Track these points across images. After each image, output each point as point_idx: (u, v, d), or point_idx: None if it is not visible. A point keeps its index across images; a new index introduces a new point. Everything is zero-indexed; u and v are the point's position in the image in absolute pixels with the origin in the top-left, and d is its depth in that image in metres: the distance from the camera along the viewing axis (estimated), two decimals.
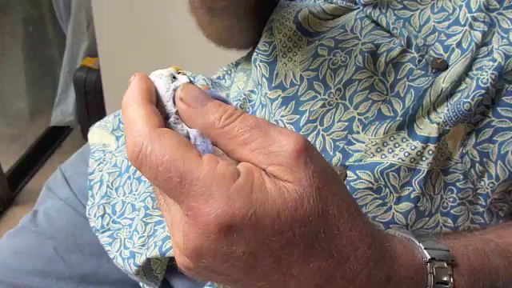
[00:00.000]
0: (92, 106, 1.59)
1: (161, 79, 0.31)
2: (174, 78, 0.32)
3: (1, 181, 1.49)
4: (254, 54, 0.50)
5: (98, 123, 0.69)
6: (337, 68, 0.45)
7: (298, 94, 0.46)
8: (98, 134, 0.67)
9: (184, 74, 0.32)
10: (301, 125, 0.45)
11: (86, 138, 0.71)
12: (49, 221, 0.63)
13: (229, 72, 0.65)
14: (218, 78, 0.66)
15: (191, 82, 0.32)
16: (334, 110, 0.45)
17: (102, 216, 0.58)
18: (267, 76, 0.48)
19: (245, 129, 0.28)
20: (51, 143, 1.72)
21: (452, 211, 0.44)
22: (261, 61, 0.49)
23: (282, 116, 0.47)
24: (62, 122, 1.66)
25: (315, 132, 0.45)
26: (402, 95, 0.43)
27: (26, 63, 1.57)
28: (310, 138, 0.45)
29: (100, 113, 1.54)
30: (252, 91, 0.54)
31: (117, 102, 0.50)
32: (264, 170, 0.28)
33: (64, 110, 1.64)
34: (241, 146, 0.28)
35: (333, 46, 0.46)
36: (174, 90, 0.31)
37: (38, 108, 1.67)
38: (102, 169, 0.62)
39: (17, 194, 1.58)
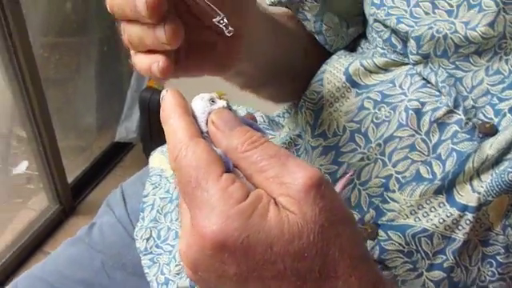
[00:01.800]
0: (154, 125, 1.66)
1: (201, 101, 0.34)
2: (213, 101, 0.35)
3: (65, 191, 1.56)
4: (302, 100, 0.52)
5: (159, 148, 0.73)
6: (380, 123, 0.46)
7: (339, 144, 0.48)
8: (158, 158, 0.71)
9: (224, 100, 0.35)
10: (338, 176, 0.47)
11: (146, 155, 0.76)
12: (101, 235, 0.67)
13: (288, 111, 0.67)
14: (278, 115, 0.68)
15: (229, 107, 0.34)
16: (372, 164, 0.45)
17: (148, 239, 0.62)
18: (311, 123, 0.50)
19: (264, 157, 0.30)
20: (114, 157, 1.81)
21: (490, 286, 0.42)
22: (307, 108, 0.51)
23: (321, 165, 0.48)
24: (126, 139, 1.74)
25: (351, 185, 0.46)
26: (444, 158, 0.43)
27: (98, 80, 1.67)
28: (343, 193, 0.46)
29: (161, 132, 1.60)
30: (299, 135, 0.56)
31: None
32: (274, 199, 0.29)
33: (128, 127, 1.73)
34: (257, 173, 0.30)
35: (379, 100, 0.47)
36: (210, 113, 0.34)
37: (105, 123, 1.76)
38: (155, 193, 0.66)
39: (79, 204, 1.65)
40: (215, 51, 0.42)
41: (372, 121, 0.47)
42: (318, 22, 0.57)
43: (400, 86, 0.47)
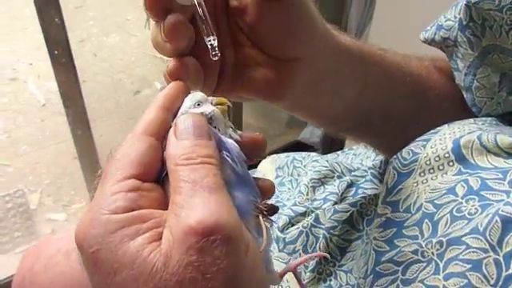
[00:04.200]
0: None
1: (189, 100, 0.32)
2: (199, 104, 0.32)
3: None
4: (394, 156, 0.43)
5: (273, 155, 0.71)
6: (458, 217, 0.35)
7: (405, 224, 0.38)
8: (267, 163, 0.69)
9: (214, 108, 0.32)
10: (382, 259, 0.37)
11: None
12: None
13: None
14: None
15: (210, 116, 0.31)
16: (423, 264, 0.35)
17: None
18: (389, 186, 0.41)
19: (185, 178, 0.27)
20: None
21: None
22: (394, 167, 0.42)
23: (375, 238, 0.39)
24: (308, 141, 1.75)
25: (392, 277, 0.36)
26: None
27: None
28: (382, 281, 0.36)
29: (343, 142, 1.57)
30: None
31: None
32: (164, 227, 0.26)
33: (314, 131, 1.73)
34: (173, 192, 0.27)
35: (474, 189, 0.36)
36: (182, 114, 0.31)
37: (295, 120, 1.80)
38: None
39: None
40: (262, 75, 0.38)
41: (451, 211, 0.35)
42: (470, 75, 0.46)
43: (510, 182, 0.34)
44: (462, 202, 0.35)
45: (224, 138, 0.31)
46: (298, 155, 0.66)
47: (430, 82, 0.49)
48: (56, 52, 1.02)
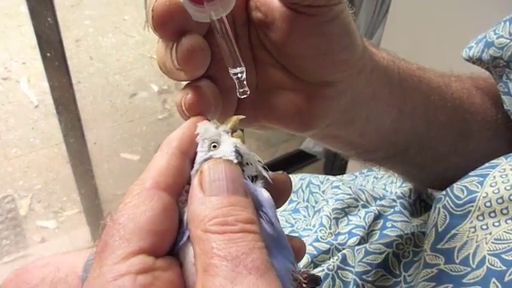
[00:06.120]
0: None
1: (200, 138, 0.26)
2: (215, 146, 0.25)
3: None
4: (442, 193, 0.36)
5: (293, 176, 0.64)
6: None
7: (463, 280, 0.31)
8: None
9: (235, 135, 0.26)
10: None
11: (326, 172, 0.70)
12: None
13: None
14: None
15: (240, 154, 0.25)
16: None
17: None
18: (440, 230, 0.34)
19: (220, 252, 0.20)
20: (294, 164, 1.78)
21: None
22: (444, 206, 0.35)
23: None
24: (310, 150, 1.68)
25: None
26: None
27: None
28: None
29: None
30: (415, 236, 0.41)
31: None
32: None
33: None
34: (201, 270, 0.20)
35: None
36: (206, 160, 0.25)
37: None
38: None
39: None
40: (290, 101, 0.31)
41: None
42: None
43: None
44: None
45: (259, 192, 0.24)
46: (315, 178, 0.59)
47: (471, 106, 0.43)
48: (49, 54, 0.95)
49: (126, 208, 0.22)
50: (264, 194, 0.25)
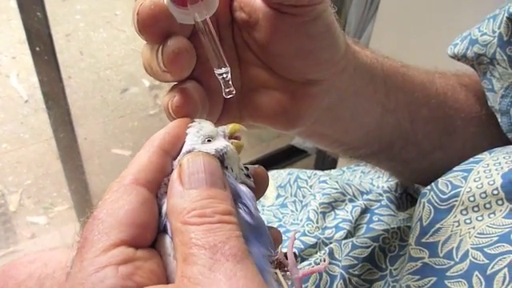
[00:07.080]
0: None
1: (194, 134, 0.26)
2: (210, 140, 0.26)
3: None
4: (427, 188, 0.37)
5: (274, 171, 0.65)
6: None
7: (447, 273, 0.32)
8: None
9: (229, 143, 0.26)
10: None
11: (317, 168, 0.70)
12: None
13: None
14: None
15: (222, 154, 0.25)
16: None
17: None
18: (425, 224, 0.35)
19: (199, 242, 0.20)
20: (285, 159, 1.78)
21: None
22: (428, 201, 0.36)
23: (408, 286, 0.33)
24: (301, 145, 1.69)
25: None
26: None
27: None
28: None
29: None
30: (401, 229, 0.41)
31: None
32: None
33: None
34: (181, 260, 0.21)
35: None
36: (186, 153, 0.25)
37: None
38: None
39: None
40: (275, 100, 0.32)
41: (509, 266, 0.30)
42: (508, 98, 0.40)
43: None
44: None
45: (238, 186, 0.25)
46: (302, 173, 0.59)
47: (456, 103, 0.43)
48: (38, 49, 0.94)
49: (105, 204, 0.23)
50: (246, 192, 0.25)
